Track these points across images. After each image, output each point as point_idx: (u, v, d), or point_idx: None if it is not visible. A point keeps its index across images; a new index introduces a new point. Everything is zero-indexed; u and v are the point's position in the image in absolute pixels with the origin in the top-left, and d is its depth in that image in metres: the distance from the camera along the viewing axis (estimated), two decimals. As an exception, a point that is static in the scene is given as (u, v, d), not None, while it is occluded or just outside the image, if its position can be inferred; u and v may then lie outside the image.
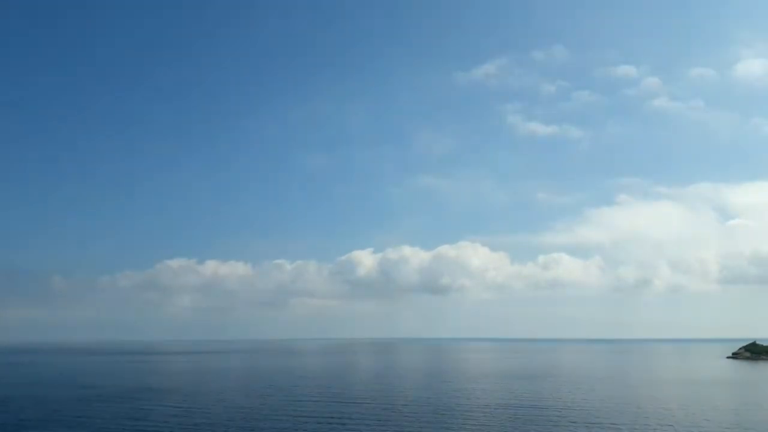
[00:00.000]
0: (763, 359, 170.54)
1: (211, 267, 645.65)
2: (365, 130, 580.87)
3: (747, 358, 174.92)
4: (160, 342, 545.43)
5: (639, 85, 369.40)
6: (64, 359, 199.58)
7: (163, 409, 61.47)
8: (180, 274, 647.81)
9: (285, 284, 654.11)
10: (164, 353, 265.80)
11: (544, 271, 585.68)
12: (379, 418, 53.97)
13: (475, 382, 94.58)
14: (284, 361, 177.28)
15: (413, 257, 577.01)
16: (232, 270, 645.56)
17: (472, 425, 50.38)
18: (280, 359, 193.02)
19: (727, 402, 67.94)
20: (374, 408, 61.27)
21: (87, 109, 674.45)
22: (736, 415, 56.60)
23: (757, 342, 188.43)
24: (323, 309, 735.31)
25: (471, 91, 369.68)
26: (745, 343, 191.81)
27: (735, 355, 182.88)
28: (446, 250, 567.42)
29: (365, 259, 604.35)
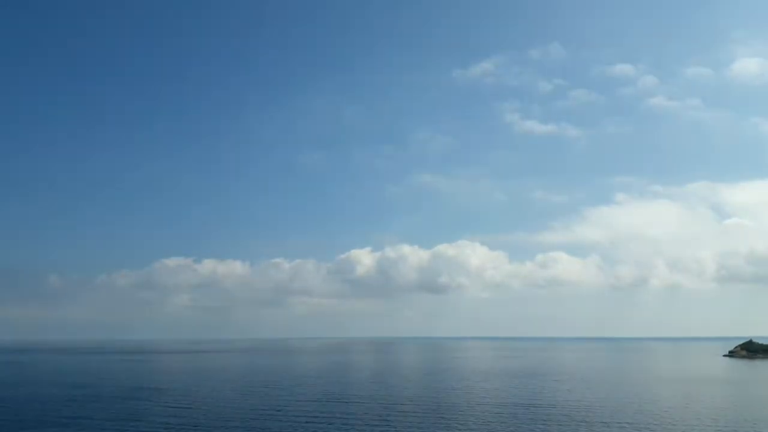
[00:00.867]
0: (759, 357, 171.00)
1: (208, 266, 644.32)
2: (363, 129, 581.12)
3: (743, 357, 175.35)
4: (157, 341, 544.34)
5: (636, 84, 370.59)
6: (61, 358, 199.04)
7: (159, 409, 61.24)
8: (177, 272, 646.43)
9: (283, 283, 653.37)
10: (161, 352, 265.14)
11: (542, 270, 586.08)
12: (378, 417, 53.84)
13: (474, 380, 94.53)
14: (282, 360, 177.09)
15: (412, 256, 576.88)
16: (229, 269, 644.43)
17: (472, 423, 50.29)
18: (278, 358, 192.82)
19: (724, 400, 67.97)
20: (372, 407, 61.12)
21: (85, 107, 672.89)
22: (732, 412, 56.61)
23: (753, 340, 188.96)
24: (322, 308, 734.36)
25: (469, 89, 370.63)
26: (741, 342, 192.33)
27: (731, 354, 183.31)
28: (445, 248, 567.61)
29: (364, 258, 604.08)
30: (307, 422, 51.45)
